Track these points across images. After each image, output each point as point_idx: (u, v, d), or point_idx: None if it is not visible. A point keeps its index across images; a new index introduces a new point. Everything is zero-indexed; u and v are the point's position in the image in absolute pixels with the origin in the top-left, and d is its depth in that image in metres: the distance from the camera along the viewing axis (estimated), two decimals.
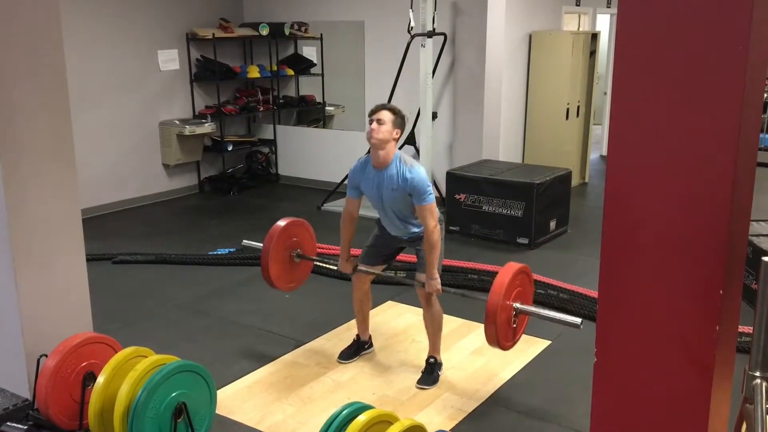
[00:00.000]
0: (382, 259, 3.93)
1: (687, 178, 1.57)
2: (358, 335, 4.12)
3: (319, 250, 5.78)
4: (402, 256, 4.49)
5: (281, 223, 3.90)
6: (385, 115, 3.53)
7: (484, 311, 3.20)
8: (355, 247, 3.90)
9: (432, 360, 3.85)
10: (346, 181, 7.23)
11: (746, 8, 1.44)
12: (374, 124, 3.52)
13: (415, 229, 3.70)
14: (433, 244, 3.51)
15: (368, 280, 3.95)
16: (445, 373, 3.86)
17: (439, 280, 3.59)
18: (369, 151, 3.64)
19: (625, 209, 1.68)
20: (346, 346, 4.11)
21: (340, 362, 4.01)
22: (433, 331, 3.81)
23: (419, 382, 3.80)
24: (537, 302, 4.83)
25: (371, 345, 4.17)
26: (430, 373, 3.82)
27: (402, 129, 3.59)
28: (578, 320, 3.22)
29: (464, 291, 3.77)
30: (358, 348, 4.10)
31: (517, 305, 3.29)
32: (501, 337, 3.24)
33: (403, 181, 3.50)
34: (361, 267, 3.85)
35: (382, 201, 3.64)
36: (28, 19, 3.13)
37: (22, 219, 3.20)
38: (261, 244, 3.88)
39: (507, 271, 3.29)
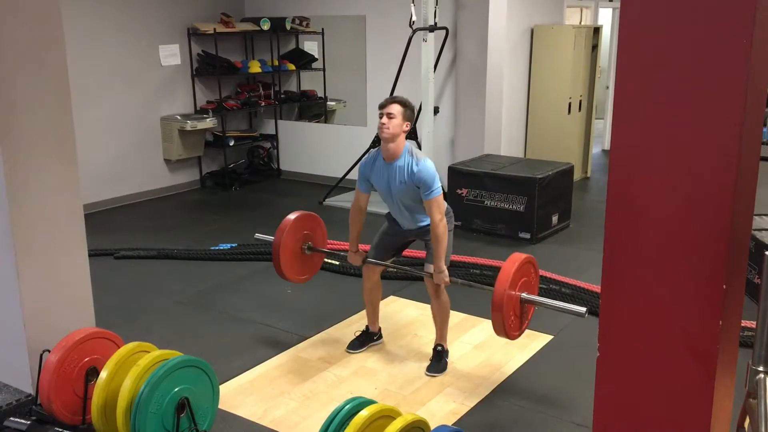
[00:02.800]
0: (392, 252, 3.97)
1: (690, 172, 1.57)
2: (367, 326, 4.13)
3: None
4: (407, 252, 4.48)
5: (292, 216, 3.93)
6: (395, 108, 3.55)
7: (491, 302, 3.22)
8: (364, 243, 3.90)
9: (439, 348, 3.87)
10: (347, 176, 7.30)
11: (750, 1, 1.43)
12: (384, 118, 3.54)
13: (424, 222, 3.72)
14: (439, 237, 3.53)
15: (378, 271, 3.98)
16: (447, 368, 3.87)
17: (446, 273, 3.61)
18: (373, 144, 3.64)
19: (628, 204, 1.67)
20: (348, 340, 4.12)
21: (348, 352, 4.02)
22: (441, 320, 3.84)
23: (428, 369, 3.82)
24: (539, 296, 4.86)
25: (381, 336, 4.17)
26: (439, 361, 3.84)
27: (411, 121, 3.62)
28: (583, 309, 3.26)
29: (471, 282, 3.80)
30: (367, 339, 4.11)
31: (524, 295, 3.32)
32: (508, 327, 3.28)
33: (411, 174, 3.54)
34: (371, 260, 3.89)
35: (391, 193, 3.67)
36: (29, 15, 3.12)
37: (24, 215, 3.21)
38: (272, 237, 3.91)
39: (512, 261, 3.31)
